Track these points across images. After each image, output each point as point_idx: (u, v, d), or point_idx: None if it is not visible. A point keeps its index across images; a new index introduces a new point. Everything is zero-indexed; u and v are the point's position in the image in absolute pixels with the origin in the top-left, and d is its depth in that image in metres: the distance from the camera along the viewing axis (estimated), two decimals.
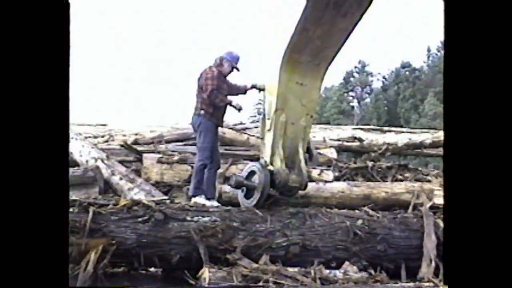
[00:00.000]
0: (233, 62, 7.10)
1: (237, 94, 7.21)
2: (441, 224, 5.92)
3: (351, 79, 55.76)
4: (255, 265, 5.06)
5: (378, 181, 8.14)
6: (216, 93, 6.82)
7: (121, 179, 7.78)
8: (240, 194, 6.19)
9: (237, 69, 7.15)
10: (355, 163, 9.27)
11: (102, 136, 12.97)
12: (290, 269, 5.05)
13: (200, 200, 6.62)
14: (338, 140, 13.21)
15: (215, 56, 7.17)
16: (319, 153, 9.32)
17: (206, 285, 4.75)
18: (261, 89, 6.79)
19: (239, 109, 7.12)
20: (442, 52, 50.55)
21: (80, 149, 8.78)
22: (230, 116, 9.02)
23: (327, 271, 5.19)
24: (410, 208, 6.87)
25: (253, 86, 7.01)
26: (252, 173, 6.04)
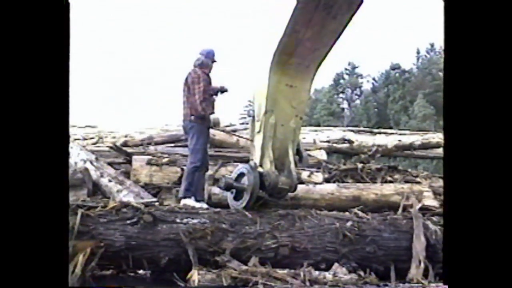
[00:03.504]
0: (211, 57, 7.22)
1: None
2: (431, 225, 5.94)
3: (341, 81, 55.85)
4: (244, 267, 5.06)
5: (368, 182, 8.14)
6: (205, 104, 6.93)
7: (110, 181, 7.73)
8: (229, 196, 6.18)
9: (215, 61, 7.29)
10: (344, 164, 9.25)
11: (92, 138, 12.92)
12: (280, 271, 5.05)
13: (190, 202, 6.60)
14: (328, 141, 13.21)
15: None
16: (309, 155, 9.31)
17: (195, 287, 4.74)
18: (222, 91, 7.34)
19: (224, 91, 7.35)
20: (432, 54, 50.82)
21: (69, 151, 8.72)
22: (220, 118, 9.07)
23: (317, 272, 5.19)
24: (400, 209, 6.88)
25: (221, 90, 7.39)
26: (241, 175, 6.03)
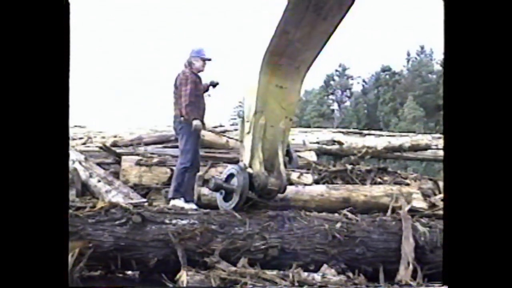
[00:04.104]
0: (200, 55, 7.17)
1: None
2: (419, 227, 5.96)
3: (331, 82, 55.98)
4: (233, 268, 5.05)
5: (357, 184, 8.15)
6: (189, 109, 6.91)
7: (99, 181, 7.70)
8: (219, 197, 6.16)
9: (209, 59, 7.22)
10: (334, 166, 9.25)
11: (80, 138, 12.84)
12: (269, 272, 5.05)
13: (179, 202, 6.59)
14: (318, 143, 13.20)
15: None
16: (299, 156, 9.32)
17: None
18: (214, 85, 7.39)
19: (215, 85, 7.43)
20: (422, 56, 51.06)
21: (69, 152, 8.67)
22: (210, 119, 9.08)
23: (306, 274, 5.19)
24: (389, 211, 6.88)
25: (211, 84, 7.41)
26: (231, 176, 6.02)
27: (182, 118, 6.95)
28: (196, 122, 6.83)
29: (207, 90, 7.30)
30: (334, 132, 15.13)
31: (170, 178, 7.58)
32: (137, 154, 8.91)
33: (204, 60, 7.23)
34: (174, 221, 5.31)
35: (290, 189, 6.72)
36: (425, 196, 7.71)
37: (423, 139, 13.90)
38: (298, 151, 10.24)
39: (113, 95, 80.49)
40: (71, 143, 11.05)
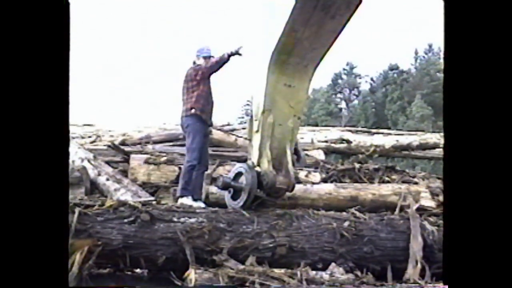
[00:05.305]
0: (203, 53, 7.30)
1: (221, 67, 7.18)
2: (428, 226, 5.95)
3: (339, 81, 55.78)
4: (242, 267, 5.06)
5: (365, 182, 8.14)
6: (199, 103, 6.99)
7: (107, 179, 7.73)
8: (227, 195, 6.17)
9: (209, 57, 7.28)
10: (342, 164, 9.25)
11: (89, 137, 12.91)
12: (277, 271, 5.05)
13: (187, 201, 6.60)
14: (326, 141, 13.22)
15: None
16: (307, 155, 9.32)
17: (192, 286, 4.74)
18: (236, 53, 7.00)
19: (238, 52, 7.06)
20: (430, 54, 50.81)
21: (69, 150, 8.70)
22: (218, 117, 9.09)
23: (314, 272, 5.20)
24: (397, 210, 6.88)
25: (233, 54, 7.05)
26: (239, 174, 6.02)
27: (193, 110, 6.97)
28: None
29: (228, 58, 7.08)
30: (342, 130, 15.16)
31: (178, 176, 7.60)
32: (146, 153, 8.95)
33: (205, 58, 7.26)
34: (182, 219, 5.32)
35: (298, 187, 6.72)
36: (433, 194, 7.69)
37: (431, 137, 13.89)
38: (306, 149, 10.25)
39: (118, 93, 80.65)
40: (80, 141, 11.12)
